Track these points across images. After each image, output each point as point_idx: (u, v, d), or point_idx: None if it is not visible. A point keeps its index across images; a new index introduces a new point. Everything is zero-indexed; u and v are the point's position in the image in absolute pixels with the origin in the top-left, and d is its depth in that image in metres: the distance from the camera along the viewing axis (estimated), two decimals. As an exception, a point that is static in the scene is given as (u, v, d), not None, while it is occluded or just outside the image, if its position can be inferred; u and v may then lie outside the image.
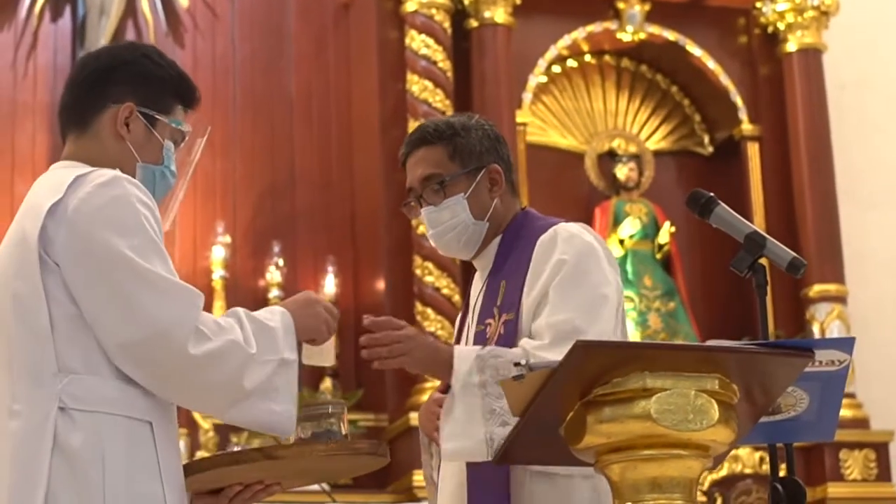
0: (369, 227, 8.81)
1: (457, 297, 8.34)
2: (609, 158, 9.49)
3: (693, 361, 2.85)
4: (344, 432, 3.17)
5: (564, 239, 3.55)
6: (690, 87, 9.67)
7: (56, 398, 2.85)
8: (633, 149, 9.51)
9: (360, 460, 3.23)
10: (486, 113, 7.13)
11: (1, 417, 2.89)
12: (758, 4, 9.52)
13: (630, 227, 9.23)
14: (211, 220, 8.67)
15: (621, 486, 2.88)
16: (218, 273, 8.50)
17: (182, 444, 7.77)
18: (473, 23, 8.91)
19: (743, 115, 9.43)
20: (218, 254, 8.56)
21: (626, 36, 9.36)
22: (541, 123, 9.36)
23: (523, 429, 2.97)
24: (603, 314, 3.46)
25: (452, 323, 8.11)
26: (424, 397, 7.12)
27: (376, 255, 8.72)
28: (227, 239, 8.62)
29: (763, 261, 3.23)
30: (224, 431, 8.15)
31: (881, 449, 8.91)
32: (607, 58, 9.60)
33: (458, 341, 3.80)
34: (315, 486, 3.93)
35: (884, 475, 8.86)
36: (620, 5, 9.33)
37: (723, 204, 3.36)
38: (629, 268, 9.20)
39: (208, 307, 2.99)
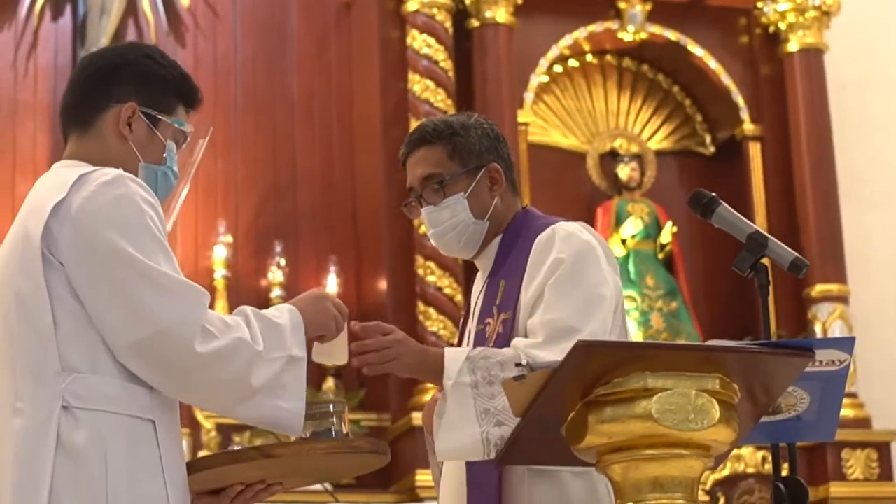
0: (371, 226, 8.81)
1: (459, 297, 8.34)
2: (611, 158, 9.50)
3: (694, 361, 2.86)
4: (345, 431, 3.16)
5: (562, 238, 3.55)
6: (692, 86, 9.67)
7: (59, 397, 2.85)
8: (634, 149, 9.52)
9: (360, 459, 3.22)
10: (488, 113, 7.14)
11: (4, 416, 2.89)
12: (759, 4, 9.52)
13: (632, 226, 9.24)
14: (213, 220, 8.67)
15: (623, 485, 2.88)
16: (220, 273, 8.50)
17: (184, 443, 7.76)
18: (475, 22, 8.91)
19: (744, 114, 9.44)
20: (220, 253, 8.56)
21: (628, 36, 9.37)
22: (542, 123, 9.37)
23: (525, 429, 2.97)
24: (598, 313, 3.45)
25: (455, 323, 8.13)
26: (427, 397, 7.11)
27: (378, 255, 8.72)
28: (229, 238, 8.62)
29: (765, 261, 3.24)
30: (226, 431, 8.15)
31: (883, 449, 8.91)
32: (609, 57, 9.61)
33: (460, 341, 3.80)
34: (317, 486, 3.91)
35: (886, 475, 8.86)
36: (622, 5, 9.33)
37: (725, 204, 3.36)
38: (631, 268, 9.20)
39: (209, 307, 2.99)
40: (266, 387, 2.95)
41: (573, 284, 3.47)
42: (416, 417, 7.84)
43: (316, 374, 8.36)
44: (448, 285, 8.43)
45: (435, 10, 8.81)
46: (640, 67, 9.67)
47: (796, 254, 3.25)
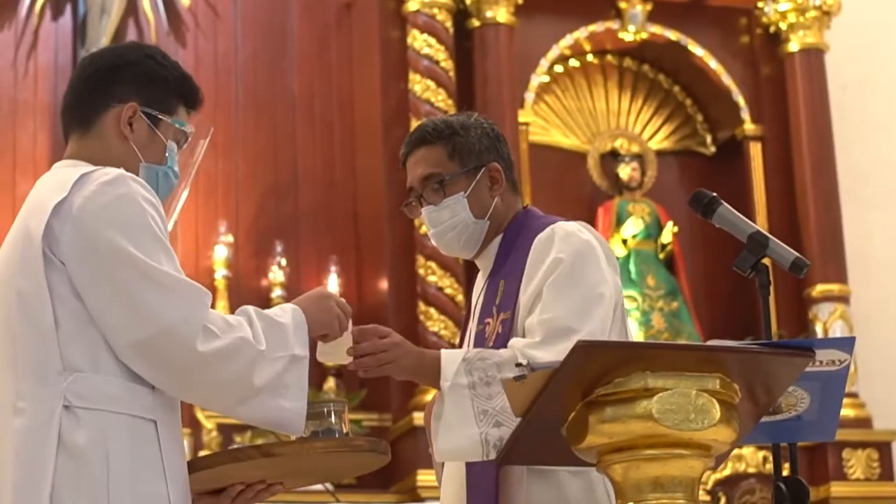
0: (372, 226, 8.81)
1: (460, 297, 8.34)
2: (611, 158, 9.50)
3: (694, 361, 2.86)
4: (345, 431, 3.16)
5: (561, 237, 3.54)
6: (692, 86, 9.67)
7: (61, 396, 2.85)
8: (635, 148, 9.52)
9: (360, 458, 3.22)
10: (489, 113, 7.13)
11: (5, 415, 2.89)
12: (760, 4, 9.52)
13: (633, 226, 9.24)
14: (213, 220, 8.67)
15: (624, 485, 2.88)
16: (220, 273, 8.50)
17: (185, 443, 7.76)
18: (475, 22, 8.91)
19: (745, 114, 9.44)
20: (220, 253, 8.56)
21: (628, 36, 9.37)
22: (543, 123, 9.37)
23: (525, 429, 2.97)
24: (596, 313, 3.43)
25: (456, 323, 8.13)
26: (428, 397, 7.12)
27: (379, 255, 8.72)
28: (230, 238, 8.62)
29: (766, 261, 3.24)
30: (227, 431, 8.15)
31: (884, 448, 8.92)
32: (609, 57, 9.61)
33: (461, 342, 3.79)
34: (318, 486, 3.91)
35: (886, 474, 8.87)
36: (622, 5, 9.33)
37: (726, 204, 3.36)
38: (632, 267, 9.20)
39: (211, 307, 2.99)
40: (268, 386, 2.95)
41: (572, 284, 3.46)
42: (417, 417, 7.83)
43: (317, 373, 8.36)
44: (449, 285, 8.43)
45: (435, 10, 8.81)
46: (640, 67, 9.68)
47: (797, 254, 3.25)
